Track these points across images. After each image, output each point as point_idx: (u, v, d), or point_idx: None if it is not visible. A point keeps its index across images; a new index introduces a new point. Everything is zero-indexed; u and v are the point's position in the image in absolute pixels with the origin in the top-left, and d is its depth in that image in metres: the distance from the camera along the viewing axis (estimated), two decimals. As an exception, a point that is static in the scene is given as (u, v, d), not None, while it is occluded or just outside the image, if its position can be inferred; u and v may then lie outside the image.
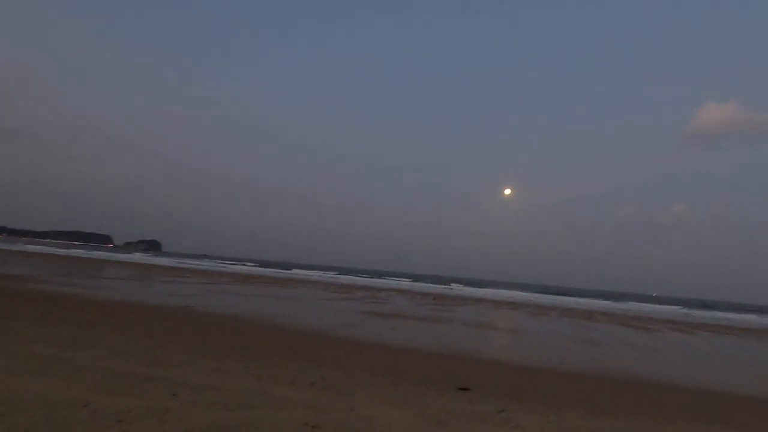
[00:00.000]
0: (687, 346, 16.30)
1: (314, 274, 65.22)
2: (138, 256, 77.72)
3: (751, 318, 48.35)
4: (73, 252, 69.18)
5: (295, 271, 72.50)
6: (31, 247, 73.38)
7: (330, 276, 64.98)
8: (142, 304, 13.08)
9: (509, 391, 6.04)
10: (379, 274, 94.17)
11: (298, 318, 13.22)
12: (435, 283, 72.53)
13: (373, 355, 7.88)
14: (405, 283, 63.59)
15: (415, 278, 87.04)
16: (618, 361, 10.35)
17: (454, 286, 67.13)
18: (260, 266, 79.54)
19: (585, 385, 7.23)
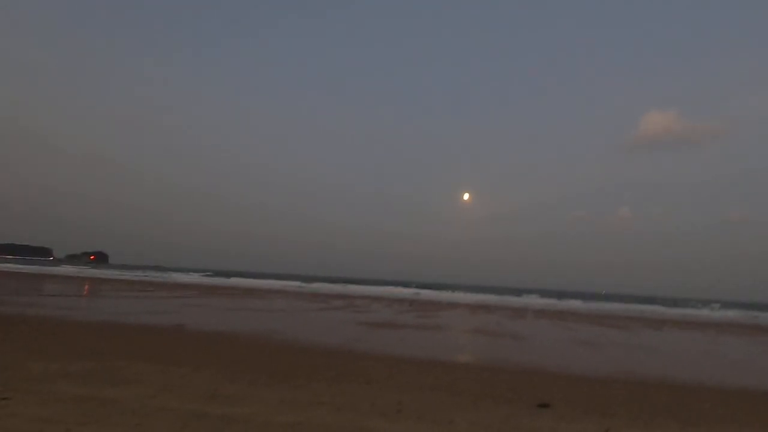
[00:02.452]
0: (673, 343, 17.05)
1: (263, 283, 63.26)
2: (88, 270, 72.14)
3: (698, 312, 52.03)
4: (11, 267, 63.19)
5: (234, 279, 69.85)
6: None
7: (294, 285, 63.16)
8: (131, 325, 11.89)
9: (590, 404, 5.85)
10: (331, 281, 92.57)
11: (303, 333, 12.52)
12: (386, 286, 73.07)
13: (423, 372, 7.47)
14: (370, 289, 62.95)
15: (370, 283, 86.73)
16: (637, 364, 10.52)
17: (415, 290, 67.52)
18: (209, 276, 76.26)
19: (641, 390, 7.19)
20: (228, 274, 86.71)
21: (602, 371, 9.04)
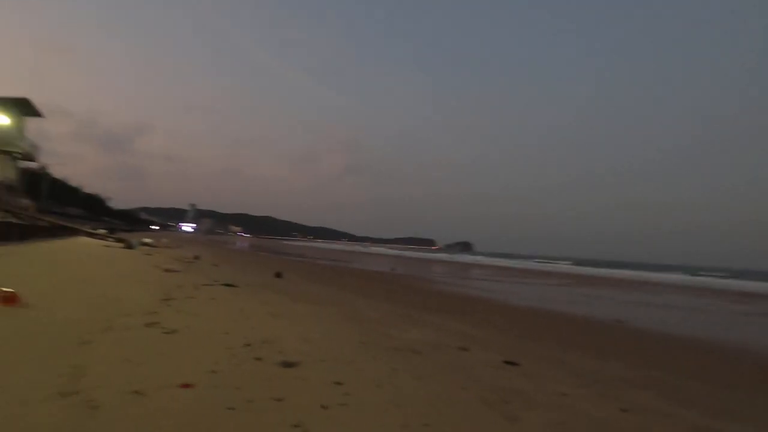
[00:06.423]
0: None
1: (631, 274, 53.45)
2: (463, 257, 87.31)
3: None
4: (417, 254, 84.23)
5: (601, 269, 61.79)
6: (383, 250, 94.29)
7: (656, 276, 51.22)
8: (566, 315, 12.60)
9: None
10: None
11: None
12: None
13: None
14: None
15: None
16: None
17: None
18: (570, 265, 74.58)
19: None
20: (583, 263, 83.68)
21: None
